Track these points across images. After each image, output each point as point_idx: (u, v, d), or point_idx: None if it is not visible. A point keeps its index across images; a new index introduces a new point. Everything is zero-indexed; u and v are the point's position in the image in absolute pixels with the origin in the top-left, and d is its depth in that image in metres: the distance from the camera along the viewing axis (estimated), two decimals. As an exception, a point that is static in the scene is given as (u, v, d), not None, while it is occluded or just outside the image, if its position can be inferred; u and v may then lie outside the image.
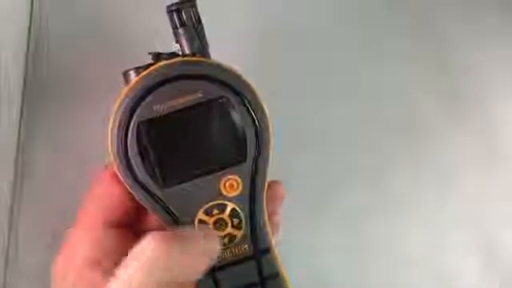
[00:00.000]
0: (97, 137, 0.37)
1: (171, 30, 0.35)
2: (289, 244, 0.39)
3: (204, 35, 0.35)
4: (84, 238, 0.34)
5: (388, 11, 0.52)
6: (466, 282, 0.48)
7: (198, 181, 0.34)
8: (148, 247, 0.30)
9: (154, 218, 0.35)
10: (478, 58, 0.52)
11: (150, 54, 0.35)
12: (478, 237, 0.48)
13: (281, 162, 0.36)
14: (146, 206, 0.34)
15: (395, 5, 0.52)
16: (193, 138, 0.34)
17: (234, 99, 0.34)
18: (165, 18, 0.35)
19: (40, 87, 0.47)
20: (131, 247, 0.35)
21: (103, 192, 0.35)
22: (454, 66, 0.51)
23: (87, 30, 0.47)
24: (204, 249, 0.32)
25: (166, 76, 0.33)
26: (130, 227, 0.36)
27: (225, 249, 0.35)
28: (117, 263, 0.33)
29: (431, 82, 0.51)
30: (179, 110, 0.33)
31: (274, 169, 0.35)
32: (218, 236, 0.34)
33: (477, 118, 0.51)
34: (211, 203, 0.34)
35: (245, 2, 0.49)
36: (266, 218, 0.36)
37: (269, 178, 0.35)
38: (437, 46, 0.52)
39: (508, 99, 0.51)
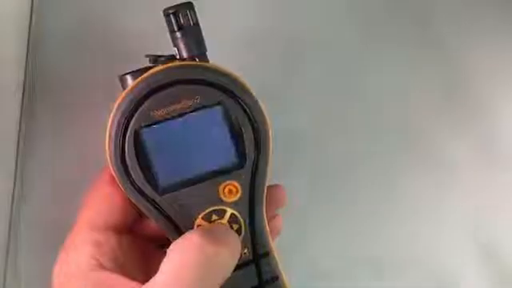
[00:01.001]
0: (97, 137, 0.37)
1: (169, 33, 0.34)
2: (288, 247, 0.39)
3: (202, 38, 0.34)
4: (86, 240, 0.34)
5: (388, 12, 0.51)
6: (466, 283, 0.48)
7: (196, 186, 0.34)
8: (195, 244, 0.31)
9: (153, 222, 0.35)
10: (477, 59, 0.51)
11: (147, 56, 0.34)
12: (478, 237, 0.48)
13: (279, 164, 0.35)
14: (143, 211, 0.34)
15: (395, 6, 0.51)
16: (191, 143, 0.33)
17: (232, 104, 0.33)
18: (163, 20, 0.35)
19: (40, 87, 0.47)
20: (132, 250, 0.35)
21: (103, 195, 0.35)
22: (453, 66, 0.51)
23: (87, 30, 0.47)
24: (235, 246, 0.33)
25: (163, 81, 0.32)
26: (130, 230, 0.36)
27: None
28: (118, 265, 0.33)
29: (431, 82, 0.51)
30: (177, 116, 0.33)
31: (272, 170, 0.35)
32: None
33: (477, 118, 0.50)
34: (210, 209, 0.34)
35: (244, 4, 0.49)
36: (266, 222, 0.35)
37: (269, 181, 0.35)
38: (436, 45, 0.51)
39: (508, 99, 0.51)
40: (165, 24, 0.34)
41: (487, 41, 0.52)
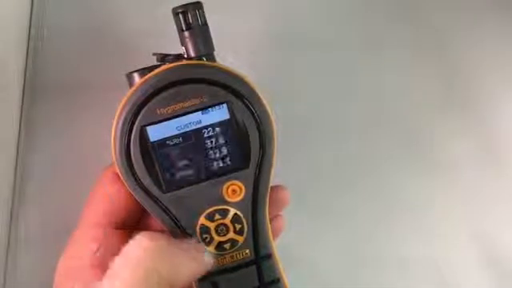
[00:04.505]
0: (98, 136, 0.37)
1: (177, 32, 0.34)
2: (288, 248, 0.39)
3: (210, 38, 0.34)
4: (90, 237, 0.34)
5: (388, 13, 0.52)
6: (466, 283, 0.48)
7: (200, 186, 0.34)
8: (137, 245, 0.31)
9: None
10: (477, 59, 0.52)
11: (154, 54, 0.34)
12: (478, 237, 0.48)
13: (280, 164, 0.35)
14: (147, 209, 0.34)
15: (395, 6, 0.52)
16: (196, 142, 0.33)
17: (238, 104, 0.33)
18: (166, 18, 0.35)
19: (40, 86, 0.47)
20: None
21: (106, 193, 0.35)
22: (453, 66, 0.52)
23: (87, 29, 0.47)
24: (193, 256, 0.33)
25: (170, 79, 0.32)
26: (134, 228, 0.36)
27: (226, 254, 0.35)
28: None
29: (431, 82, 0.51)
30: (183, 114, 0.33)
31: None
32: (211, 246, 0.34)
33: (477, 118, 0.51)
34: (213, 208, 0.34)
35: (247, 5, 0.49)
36: (269, 223, 0.35)
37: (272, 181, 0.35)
38: (436, 45, 0.52)
39: (508, 99, 0.51)
40: (168, 23, 0.34)
41: (487, 41, 0.52)
